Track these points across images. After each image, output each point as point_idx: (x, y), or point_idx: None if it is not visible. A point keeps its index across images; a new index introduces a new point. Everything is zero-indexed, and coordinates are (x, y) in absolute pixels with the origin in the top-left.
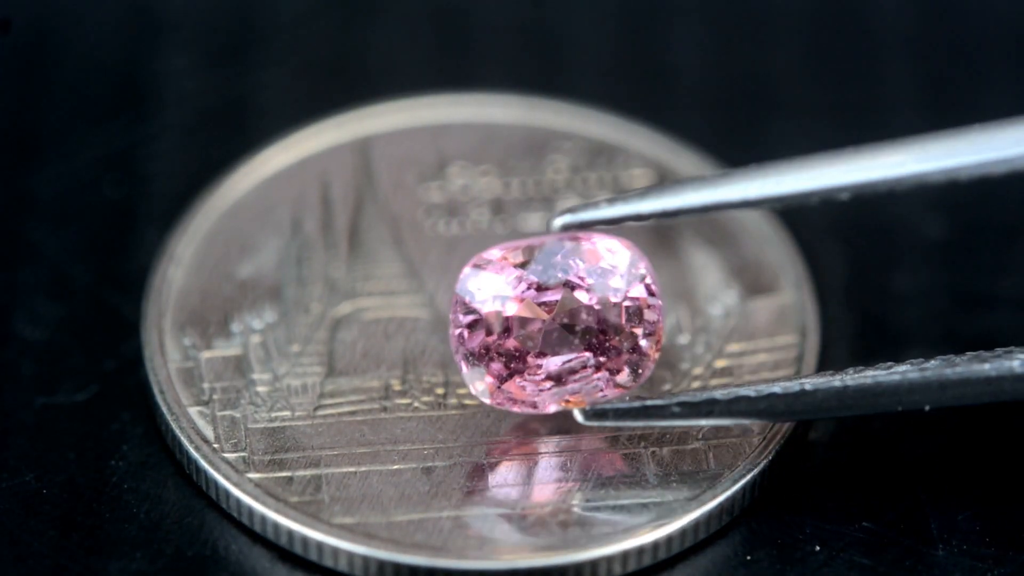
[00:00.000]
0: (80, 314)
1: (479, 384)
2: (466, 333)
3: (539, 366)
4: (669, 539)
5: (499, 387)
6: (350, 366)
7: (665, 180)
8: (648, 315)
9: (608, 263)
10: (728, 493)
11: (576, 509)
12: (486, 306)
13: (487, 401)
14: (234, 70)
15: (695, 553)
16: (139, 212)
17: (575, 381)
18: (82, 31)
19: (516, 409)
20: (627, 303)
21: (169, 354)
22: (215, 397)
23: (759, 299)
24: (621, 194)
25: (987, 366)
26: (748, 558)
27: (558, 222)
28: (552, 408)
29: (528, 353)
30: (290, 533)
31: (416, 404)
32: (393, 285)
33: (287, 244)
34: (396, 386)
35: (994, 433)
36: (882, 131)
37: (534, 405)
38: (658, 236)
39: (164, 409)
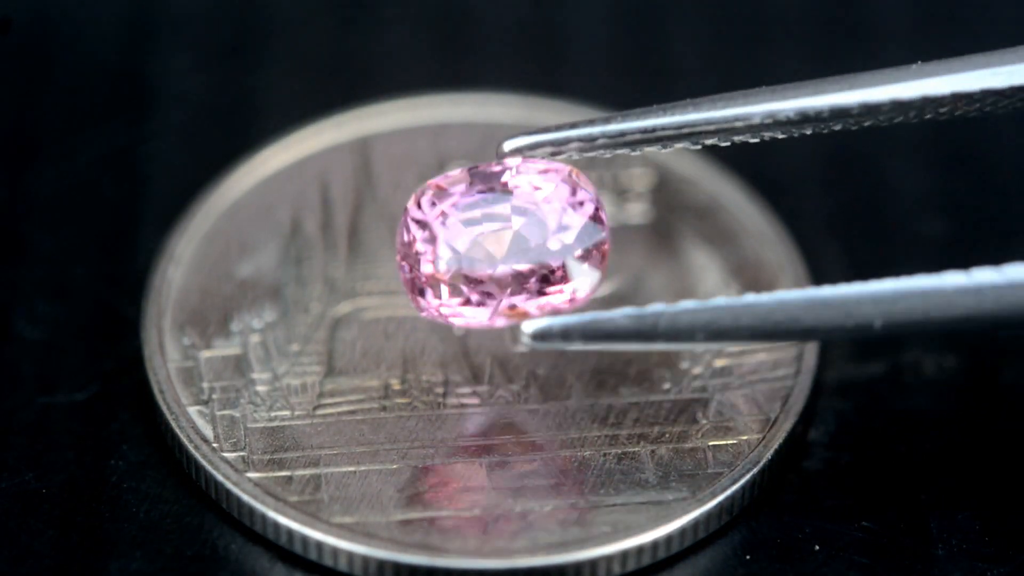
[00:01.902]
0: (80, 314)
1: (422, 301)
2: (411, 264)
3: (484, 293)
4: (669, 539)
5: (442, 304)
6: (349, 365)
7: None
8: (595, 238)
9: (552, 191)
10: (728, 493)
11: (576, 509)
12: (438, 251)
13: (424, 315)
14: (234, 70)
15: (695, 553)
16: (139, 212)
17: (519, 302)
18: (82, 31)
19: (460, 324)
20: (573, 235)
21: (169, 353)
22: (214, 396)
23: None
24: (572, 121)
25: (935, 278)
26: (748, 558)
27: (507, 145)
28: (499, 322)
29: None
30: (289, 532)
31: (415, 403)
32: (393, 285)
33: (287, 244)
34: (395, 385)
35: (994, 433)
36: (881, 131)
37: (479, 320)
38: (658, 236)
39: (164, 408)
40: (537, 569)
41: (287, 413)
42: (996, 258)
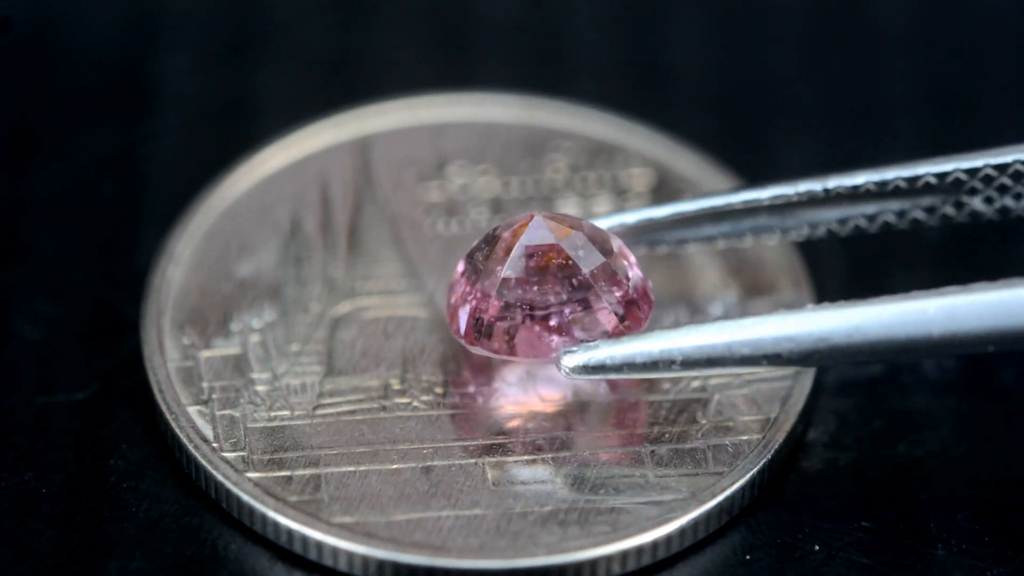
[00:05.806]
0: (80, 314)
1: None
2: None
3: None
4: (669, 539)
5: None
6: (349, 365)
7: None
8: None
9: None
10: (728, 493)
11: (575, 509)
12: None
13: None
14: (234, 70)
15: (695, 552)
16: (139, 212)
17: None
18: (82, 31)
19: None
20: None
21: (168, 353)
22: (214, 396)
23: (758, 299)
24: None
25: None
26: (747, 557)
27: None
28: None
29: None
30: (289, 532)
31: (415, 403)
32: (392, 284)
33: (286, 243)
34: (395, 385)
35: (993, 433)
36: (881, 131)
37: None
38: None
39: (163, 408)
40: (537, 569)
41: (287, 413)
42: (996, 258)
